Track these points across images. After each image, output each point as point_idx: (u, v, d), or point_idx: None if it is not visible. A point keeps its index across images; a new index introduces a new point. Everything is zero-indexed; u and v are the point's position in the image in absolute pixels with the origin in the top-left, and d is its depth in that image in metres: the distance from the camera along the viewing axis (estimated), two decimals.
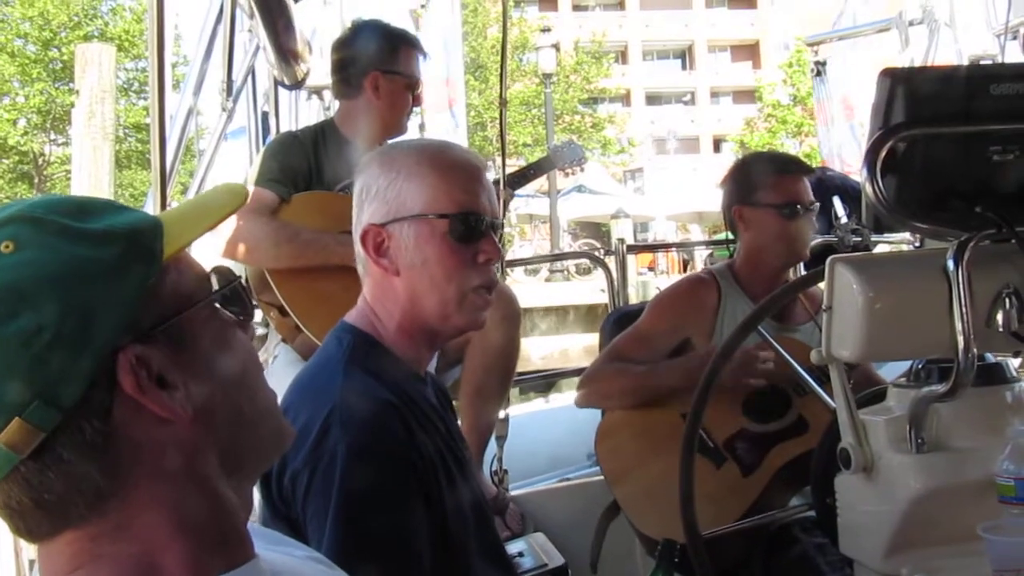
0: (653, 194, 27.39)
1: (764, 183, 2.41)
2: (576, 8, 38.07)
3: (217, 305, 0.79)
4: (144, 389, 0.70)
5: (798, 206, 2.36)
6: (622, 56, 37.77)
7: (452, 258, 1.43)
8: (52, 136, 20.28)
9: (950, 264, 1.32)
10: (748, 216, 2.43)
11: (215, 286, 0.79)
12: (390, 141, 2.43)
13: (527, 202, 20.01)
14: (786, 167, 2.44)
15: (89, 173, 9.34)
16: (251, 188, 2.45)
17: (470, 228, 1.44)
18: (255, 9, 2.84)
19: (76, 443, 0.68)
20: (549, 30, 20.42)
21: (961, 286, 1.30)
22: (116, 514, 0.71)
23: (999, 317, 1.36)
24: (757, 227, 2.42)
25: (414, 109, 2.70)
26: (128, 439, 0.70)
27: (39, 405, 0.66)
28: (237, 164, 3.65)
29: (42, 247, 0.69)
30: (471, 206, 1.44)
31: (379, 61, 2.60)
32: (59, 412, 0.67)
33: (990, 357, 1.51)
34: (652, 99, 39.25)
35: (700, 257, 13.08)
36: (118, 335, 0.70)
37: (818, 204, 2.42)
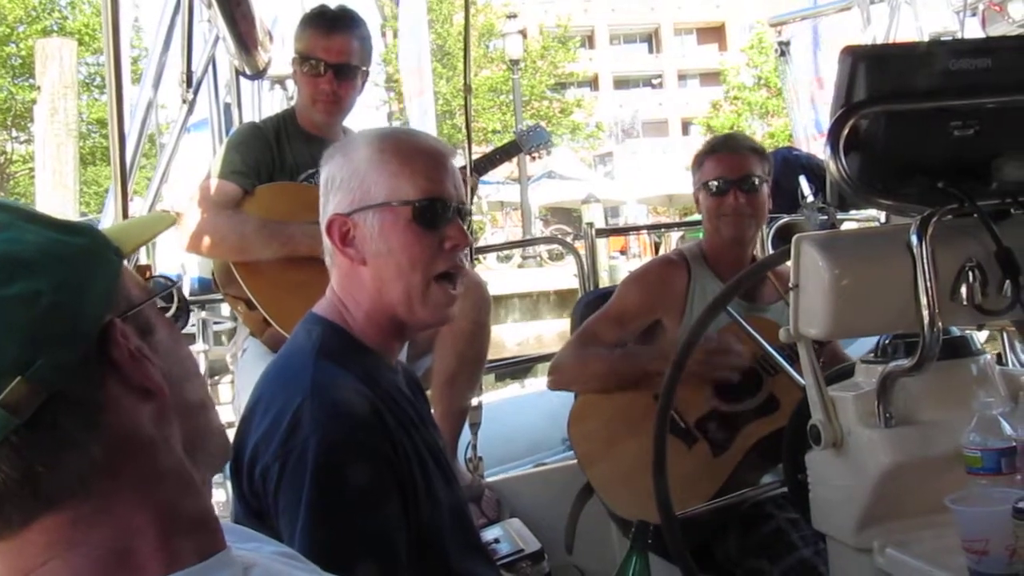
0: (623, 178, 27.41)
1: (698, 164, 2.45)
2: None
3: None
4: (136, 358, 0.72)
5: (721, 182, 2.36)
6: (589, 40, 37.69)
7: (417, 245, 1.41)
8: (14, 134, 19.90)
9: (914, 240, 1.33)
10: (698, 197, 2.47)
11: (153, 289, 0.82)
12: (356, 131, 2.36)
13: (498, 189, 19.94)
14: (712, 146, 2.46)
15: (53, 170, 9.22)
16: (214, 181, 2.42)
17: (435, 214, 1.42)
18: None
19: (71, 411, 0.67)
20: (515, 16, 20.36)
21: (925, 261, 1.32)
22: (100, 494, 0.69)
23: (963, 291, 1.38)
24: (700, 206, 2.46)
25: (349, 92, 2.55)
26: (116, 414, 0.70)
27: (42, 364, 0.65)
28: (201, 156, 3.60)
29: (21, 229, 0.71)
30: (436, 192, 1.43)
31: (295, 45, 2.57)
32: (59, 374, 0.66)
33: (955, 331, 1.52)
34: (620, 83, 39.25)
35: (673, 240, 13.13)
36: (106, 309, 0.71)
37: (760, 180, 2.37)
